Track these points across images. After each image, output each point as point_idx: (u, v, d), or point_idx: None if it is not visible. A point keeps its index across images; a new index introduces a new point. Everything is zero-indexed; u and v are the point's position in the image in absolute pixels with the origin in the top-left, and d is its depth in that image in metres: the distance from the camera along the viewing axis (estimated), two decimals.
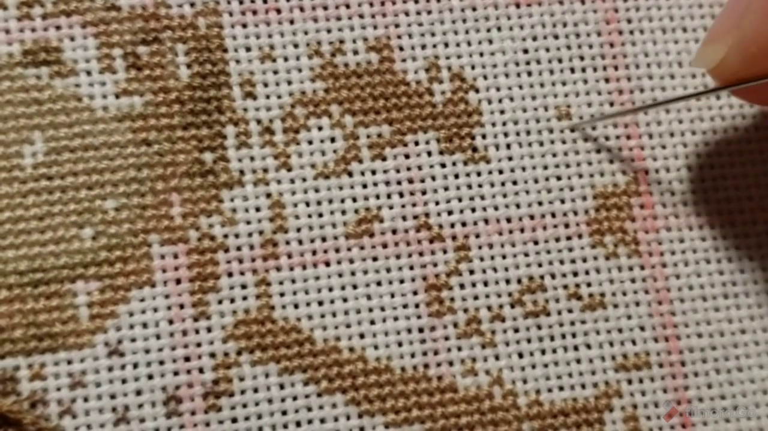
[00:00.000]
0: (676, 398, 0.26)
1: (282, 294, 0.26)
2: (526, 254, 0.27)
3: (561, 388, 0.26)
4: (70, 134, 0.25)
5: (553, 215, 0.27)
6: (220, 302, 0.25)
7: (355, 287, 0.26)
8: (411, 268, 0.26)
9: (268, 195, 0.26)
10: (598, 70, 0.28)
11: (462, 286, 0.26)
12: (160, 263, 0.25)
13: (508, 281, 0.27)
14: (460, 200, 0.27)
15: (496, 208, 0.27)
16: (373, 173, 0.27)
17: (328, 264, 0.26)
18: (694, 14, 0.28)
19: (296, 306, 0.26)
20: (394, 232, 0.26)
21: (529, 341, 0.26)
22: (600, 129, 0.27)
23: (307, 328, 0.26)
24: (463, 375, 0.26)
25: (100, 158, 0.25)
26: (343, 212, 0.26)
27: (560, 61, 0.28)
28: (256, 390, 0.25)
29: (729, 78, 0.24)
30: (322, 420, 0.25)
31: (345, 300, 0.26)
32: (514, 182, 0.27)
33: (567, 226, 0.27)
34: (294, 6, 0.27)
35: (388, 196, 0.26)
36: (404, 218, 0.26)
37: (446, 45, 0.27)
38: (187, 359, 0.25)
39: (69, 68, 0.26)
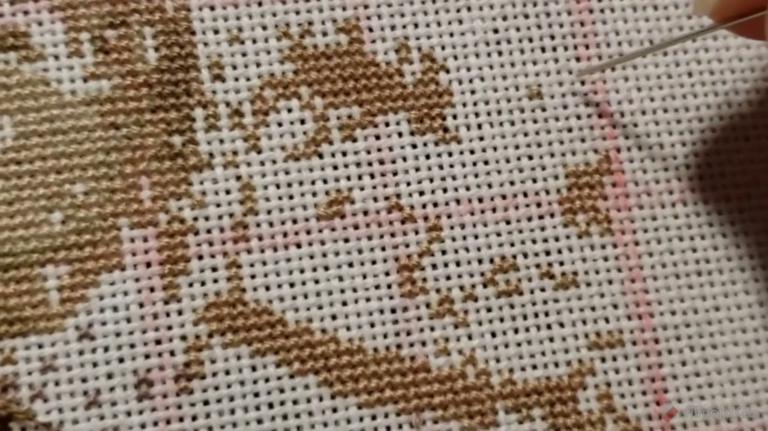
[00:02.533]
0: (650, 375, 0.26)
1: (253, 276, 0.26)
2: (498, 234, 0.27)
3: (534, 367, 0.26)
4: (39, 119, 0.25)
5: (525, 195, 0.27)
6: (190, 285, 0.25)
7: (326, 268, 0.26)
8: (383, 249, 0.26)
9: (238, 178, 0.26)
10: (569, 49, 0.28)
11: (434, 266, 0.26)
12: (130, 246, 0.25)
13: (480, 261, 0.26)
14: (431, 180, 0.27)
15: (467, 188, 0.27)
16: (344, 154, 0.26)
17: (299, 246, 0.26)
18: None
19: (267, 288, 0.26)
20: (365, 213, 0.26)
21: (501, 320, 0.26)
22: (571, 108, 0.27)
23: (279, 310, 0.26)
24: (435, 355, 0.26)
25: (69, 142, 0.25)
26: (314, 194, 0.26)
27: (531, 40, 0.28)
28: (227, 373, 0.25)
29: (727, 17, 0.24)
30: (295, 402, 0.25)
31: (317, 282, 0.26)
32: (486, 162, 0.27)
33: (539, 205, 0.27)
34: None
35: (359, 177, 0.26)
36: (375, 200, 0.26)
37: (416, 26, 0.27)
38: (158, 342, 0.25)
39: (37, 53, 0.26)
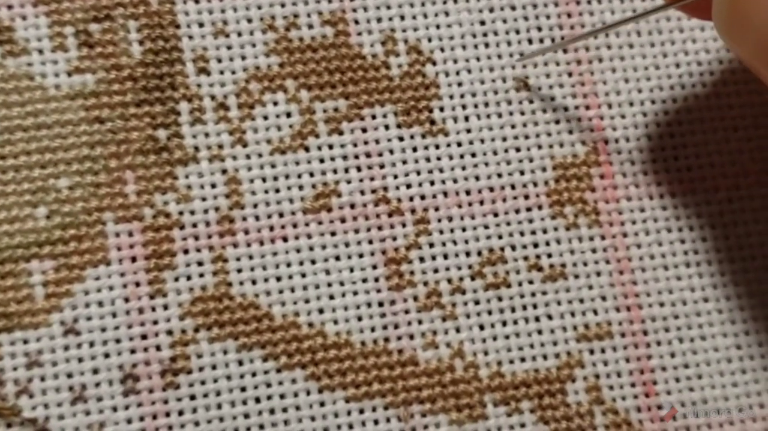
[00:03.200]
0: (639, 367, 0.26)
1: (239, 271, 0.25)
2: (486, 227, 0.27)
3: (523, 359, 0.26)
4: (23, 113, 0.25)
5: (513, 187, 0.27)
6: (176, 279, 0.25)
7: (313, 262, 0.26)
8: (370, 242, 0.26)
9: (224, 171, 0.26)
10: (556, 41, 0.28)
11: (422, 259, 0.26)
12: (115, 241, 0.25)
13: (468, 254, 0.26)
14: (418, 173, 0.27)
15: (455, 180, 0.27)
16: (330, 147, 0.26)
17: (285, 240, 0.26)
18: None
19: (254, 282, 0.26)
20: (352, 206, 0.26)
21: (490, 313, 0.26)
22: (558, 100, 0.27)
23: (266, 304, 0.25)
24: (423, 348, 0.26)
25: (53, 136, 0.25)
26: (300, 188, 0.26)
27: (518, 32, 0.28)
28: (214, 367, 0.25)
29: None
30: (282, 396, 0.25)
31: (303, 276, 0.26)
32: (473, 155, 0.27)
33: (527, 197, 0.27)
34: None
35: (346, 170, 0.26)
36: (362, 193, 0.26)
37: (402, 18, 0.27)
38: (143, 337, 0.25)
39: (21, 47, 0.26)
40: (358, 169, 0.26)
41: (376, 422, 0.25)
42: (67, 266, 0.25)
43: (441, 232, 0.26)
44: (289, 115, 0.26)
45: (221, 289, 0.25)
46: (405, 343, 0.26)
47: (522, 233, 0.27)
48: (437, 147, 0.27)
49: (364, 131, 0.27)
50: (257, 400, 0.25)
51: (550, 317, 0.26)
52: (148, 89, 0.26)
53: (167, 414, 0.25)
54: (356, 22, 0.27)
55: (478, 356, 0.26)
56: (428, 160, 0.27)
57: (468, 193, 0.27)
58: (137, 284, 0.25)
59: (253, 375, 0.25)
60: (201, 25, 0.26)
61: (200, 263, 0.25)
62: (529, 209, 0.27)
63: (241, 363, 0.25)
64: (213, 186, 0.26)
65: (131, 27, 0.26)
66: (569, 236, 0.27)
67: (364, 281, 0.26)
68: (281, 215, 0.26)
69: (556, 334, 0.26)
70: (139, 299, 0.25)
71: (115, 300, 0.25)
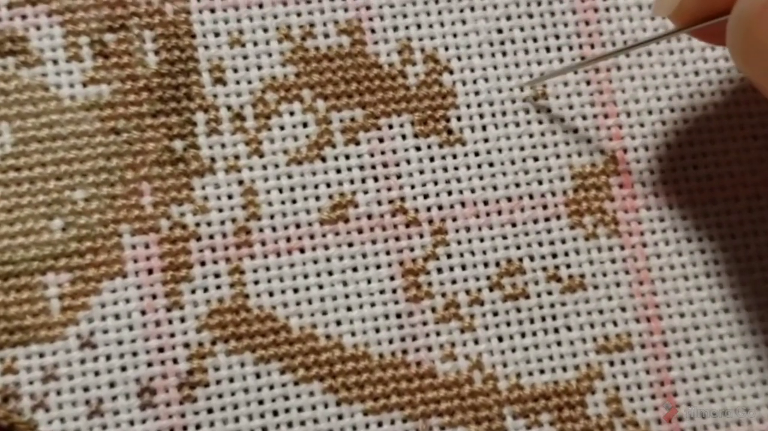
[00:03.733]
0: (659, 379, 0.26)
1: (256, 282, 0.25)
2: (504, 237, 0.26)
3: (542, 371, 0.26)
4: (38, 124, 0.25)
5: (531, 197, 0.27)
6: (193, 291, 0.25)
7: (330, 273, 0.26)
8: (387, 253, 0.26)
9: (240, 182, 0.26)
10: (574, 49, 0.27)
11: (439, 270, 0.26)
12: (132, 253, 0.25)
13: (486, 265, 0.26)
14: (435, 183, 0.26)
15: (472, 190, 0.26)
16: (347, 157, 0.26)
17: (302, 251, 0.26)
18: None
19: (271, 294, 0.25)
20: (369, 217, 0.26)
21: (508, 324, 0.26)
22: (577, 109, 0.27)
23: (283, 316, 0.25)
24: (442, 360, 0.26)
25: (69, 147, 0.25)
26: (317, 198, 0.26)
27: (535, 40, 0.27)
28: (231, 380, 0.25)
29: (689, 21, 0.24)
30: (300, 409, 0.25)
31: (321, 287, 0.26)
32: (491, 164, 0.27)
33: (545, 207, 0.27)
34: None
35: (363, 181, 0.26)
36: (379, 203, 0.26)
37: (419, 26, 0.27)
38: (160, 350, 0.25)
39: (35, 58, 0.25)
40: (375, 179, 0.26)
41: None
42: (83, 278, 0.25)
43: (459, 243, 0.26)
44: (305, 125, 0.26)
45: (238, 301, 0.25)
46: (423, 355, 0.26)
47: (540, 244, 0.26)
48: (455, 157, 0.26)
49: (381, 140, 0.26)
50: (275, 413, 0.25)
51: (569, 328, 0.26)
52: (164, 100, 0.25)
53: (185, 428, 0.24)
54: (372, 31, 0.27)
55: (496, 368, 0.26)
56: (446, 170, 0.26)
57: (486, 203, 0.26)
58: (154, 297, 0.25)
59: (271, 387, 0.25)
60: (217, 35, 0.26)
61: (217, 275, 0.25)
62: (547, 219, 0.26)
63: (258, 375, 0.25)
64: (230, 197, 0.26)
65: (146, 37, 0.26)
66: (588, 246, 0.26)
67: (382, 292, 0.26)
68: (298, 226, 0.26)
69: (576, 346, 0.26)
70: (156, 311, 0.25)
71: (132, 313, 0.25)
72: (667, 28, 0.28)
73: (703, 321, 0.26)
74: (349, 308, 0.26)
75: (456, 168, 0.26)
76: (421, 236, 0.26)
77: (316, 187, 0.26)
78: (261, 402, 0.25)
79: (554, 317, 0.26)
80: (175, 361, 0.25)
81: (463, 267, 0.26)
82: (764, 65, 0.22)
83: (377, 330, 0.26)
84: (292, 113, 0.26)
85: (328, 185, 0.26)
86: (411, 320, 0.26)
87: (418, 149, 0.26)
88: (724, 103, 0.27)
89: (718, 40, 0.24)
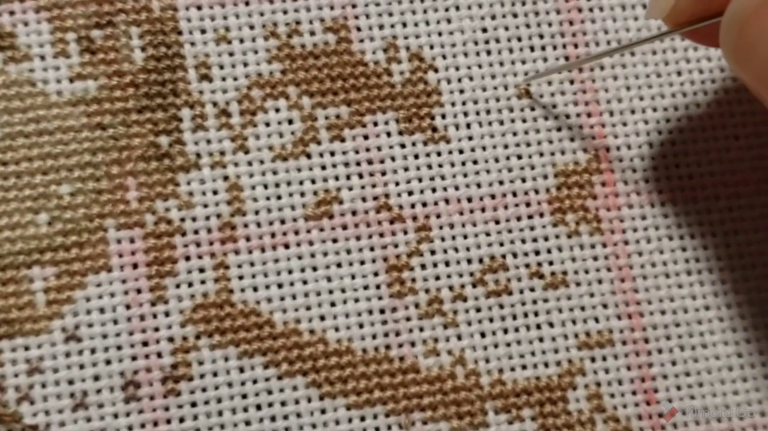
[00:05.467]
0: (640, 375, 0.26)
1: (241, 277, 0.25)
2: (488, 234, 0.27)
3: (524, 367, 0.26)
4: (25, 120, 0.25)
5: (515, 194, 0.27)
6: (177, 286, 0.25)
7: (314, 269, 0.26)
8: (371, 249, 0.26)
9: (226, 178, 0.26)
10: (558, 48, 0.28)
11: (423, 266, 0.26)
12: (117, 247, 0.25)
13: (469, 261, 0.26)
14: (420, 180, 0.27)
15: (456, 188, 0.27)
16: (332, 154, 0.26)
17: (287, 247, 0.26)
18: None
19: (255, 289, 0.25)
20: (353, 213, 0.26)
21: (491, 320, 0.26)
22: (560, 107, 0.27)
23: (267, 311, 0.25)
24: (425, 356, 0.26)
25: (55, 142, 0.25)
26: (302, 194, 0.26)
27: (519, 39, 0.28)
28: (215, 374, 0.25)
29: (683, 23, 0.24)
30: (283, 403, 0.25)
31: (305, 283, 0.26)
32: (475, 162, 0.27)
33: (528, 205, 0.27)
34: None
35: (348, 177, 0.26)
36: (364, 200, 0.26)
37: (404, 25, 0.27)
38: (145, 344, 0.25)
39: (23, 53, 0.26)
40: (360, 176, 0.26)
41: (377, 429, 0.25)
42: (69, 272, 0.25)
43: (442, 239, 0.26)
44: (290, 121, 0.26)
45: (223, 296, 0.25)
46: (406, 350, 0.26)
47: (523, 241, 0.27)
48: (439, 154, 0.27)
49: (366, 137, 0.27)
50: (258, 407, 0.25)
51: (551, 324, 0.26)
52: (150, 96, 0.26)
53: (168, 421, 0.25)
54: (358, 29, 0.27)
55: (479, 363, 0.26)
56: (430, 167, 0.27)
57: (469, 200, 0.27)
58: (139, 291, 0.25)
59: (255, 382, 0.25)
60: (203, 31, 0.26)
61: (202, 270, 0.25)
62: (530, 217, 0.27)
63: (242, 370, 0.25)
64: (215, 193, 0.26)
65: (133, 33, 0.26)
66: (571, 243, 0.27)
67: (366, 288, 0.26)
68: (283, 221, 0.26)
69: (558, 342, 0.26)
70: (141, 306, 0.25)
71: (117, 307, 0.25)
72: (650, 28, 0.28)
73: (684, 318, 0.27)
74: (332, 304, 0.26)
75: (440, 165, 0.27)
76: (405, 232, 0.26)
77: (301, 183, 0.26)
78: (244, 396, 0.25)
79: (536, 314, 0.26)
80: (159, 355, 0.25)
81: (447, 264, 0.26)
82: (756, 66, 0.22)
83: (361, 326, 0.26)
84: (277, 110, 0.26)
85: (313, 182, 0.26)
86: (394, 316, 0.26)
87: (402, 146, 0.27)
88: (706, 104, 0.28)
89: (712, 42, 0.24)
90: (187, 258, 0.25)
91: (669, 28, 0.24)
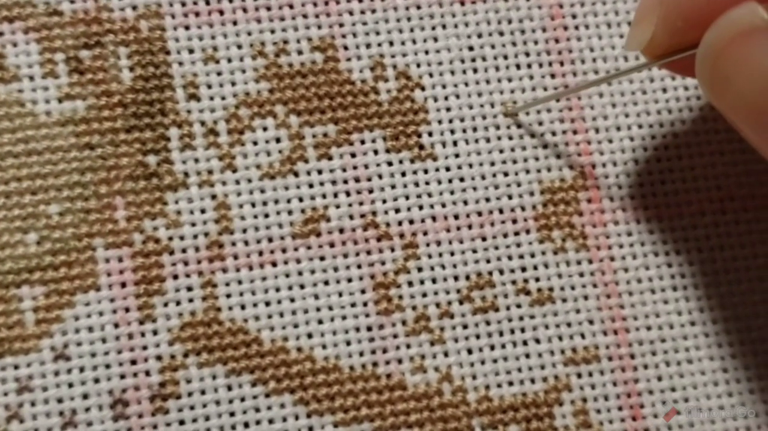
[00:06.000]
0: (626, 391, 0.26)
1: (228, 296, 0.26)
2: (474, 251, 0.27)
3: (510, 383, 0.26)
4: (14, 140, 0.25)
5: (501, 211, 0.27)
6: (165, 304, 0.25)
7: (302, 287, 0.26)
8: (358, 267, 0.26)
9: (213, 197, 0.26)
10: (544, 66, 0.28)
11: (410, 284, 0.26)
12: (105, 266, 0.25)
13: (456, 278, 0.27)
14: (407, 197, 0.27)
15: (443, 205, 0.27)
16: (319, 172, 0.27)
17: (274, 265, 0.26)
18: None
19: (243, 307, 0.26)
20: (341, 231, 0.26)
21: (478, 337, 0.26)
22: (546, 125, 0.28)
23: (255, 329, 0.26)
24: (412, 373, 0.26)
25: (44, 162, 0.25)
26: (290, 212, 0.26)
27: (506, 57, 0.28)
28: (203, 392, 0.25)
29: (660, 54, 0.24)
30: (271, 421, 0.25)
31: (292, 300, 0.26)
32: (461, 179, 0.27)
33: (515, 221, 0.27)
34: (237, 7, 0.27)
35: (335, 195, 0.26)
36: (351, 217, 0.26)
37: (391, 44, 0.27)
38: (133, 362, 0.25)
39: (11, 74, 0.26)
40: (347, 193, 0.27)
41: None
42: (58, 291, 0.25)
43: (429, 256, 0.27)
44: (278, 140, 0.27)
45: (210, 314, 0.25)
46: (393, 367, 0.26)
47: (510, 257, 0.27)
48: (426, 172, 0.27)
49: (353, 155, 0.27)
50: (246, 425, 0.25)
51: (537, 341, 0.26)
52: (138, 115, 0.26)
53: None
54: (345, 47, 0.27)
55: (466, 380, 0.26)
56: (417, 184, 0.27)
57: (456, 217, 0.27)
58: (127, 310, 0.25)
59: (242, 400, 0.25)
60: (191, 51, 0.27)
61: (189, 289, 0.26)
62: (517, 233, 0.27)
63: (230, 388, 0.25)
64: (202, 211, 0.26)
65: (121, 53, 0.26)
66: (557, 260, 0.27)
67: (353, 305, 0.26)
68: (270, 239, 0.26)
69: (544, 358, 0.26)
70: (129, 324, 0.25)
71: (105, 326, 0.25)
72: (629, 55, 0.28)
73: (670, 334, 0.27)
74: (320, 321, 0.26)
75: (427, 183, 0.27)
76: (392, 249, 0.26)
77: (288, 201, 0.26)
78: (232, 414, 0.25)
79: (523, 330, 0.26)
80: (147, 373, 0.25)
81: (434, 281, 0.26)
82: (731, 98, 0.22)
83: (348, 343, 0.26)
84: (265, 129, 0.26)
85: (301, 200, 0.26)
86: (381, 333, 0.26)
87: (389, 164, 0.27)
88: (691, 120, 0.28)
89: (689, 73, 0.24)
90: (175, 277, 0.25)
91: (646, 58, 0.24)
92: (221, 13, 0.27)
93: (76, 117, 0.26)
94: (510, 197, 0.27)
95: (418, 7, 0.28)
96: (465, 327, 0.26)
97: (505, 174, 0.27)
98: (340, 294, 0.26)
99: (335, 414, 0.25)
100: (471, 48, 0.28)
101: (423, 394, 0.26)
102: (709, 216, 0.28)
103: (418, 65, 0.27)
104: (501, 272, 0.27)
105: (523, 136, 0.27)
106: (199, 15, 0.27)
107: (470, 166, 0.27)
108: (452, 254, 0.27)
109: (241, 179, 0.26)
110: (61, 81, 0.26)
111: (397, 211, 0.27)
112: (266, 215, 0.26)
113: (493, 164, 0.27)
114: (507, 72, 0.28)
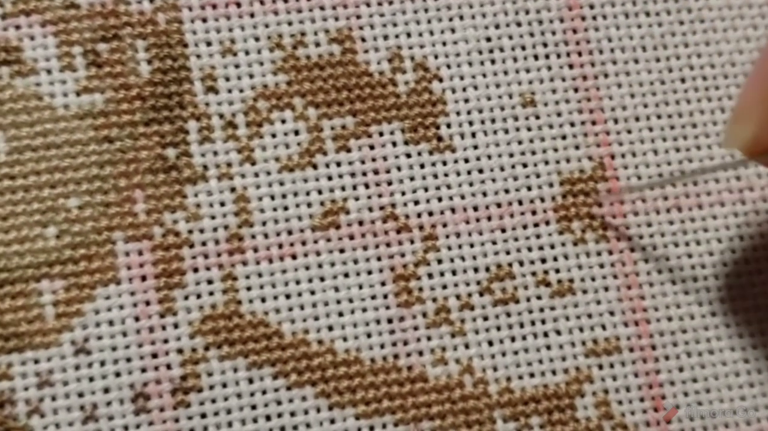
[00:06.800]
0: (648, 382, 0.26)
1: (249, 288, 0.26)
2: (494, 242, 0.27)
3: (532, 375, 0.26)
4: (32, 133, 0.25)
5: (520, 203, 0.27)
6: (186, 298, 0.25)
7: (322, 279, 0.26)
8: (378, 259, 0.26)
9: (233, 189, 0.26)
10: (562, 57, 0.28)
11: (430, 276, 0.26)
12: (125, 260, 0.25)
13: (476, 270, 0.26)
14: (426, 189, 0.27)
15: (462, 197, 0.27)
16: (338, 164, 0.26)
17: (294, 257, 0.26)
18: None
19: (263, 300, 0.26)
20: (360, 223, 0.26)
21: (498, 329, 0.26)
22: (565, 116, 0.27)
23: (275, 322, 0.26)
24: (433, 365, 0.26)
25: (63, 156, 0.25)
26: (309, 205, 0.26)
27: (523, 48, 0.28)
28: (224, 385, 0.25)
29: (761, 152, 0.23)
30: (292, 414, 0.25)
31: (313, 293, 0.26)
32: (480, 171, 0.27)
33: (534, 213, 0.27)
34: None
35: (354, 187, 0.26)
36: (370, 210, 0.26)
37: (409, 35, 0.27)
38: (154, 356, 0.25)
39: (29, 67, 0.26)
40: (366, 186, 0.26)
41: None
42: (78, 285, 0.25)
43: (449, 248, 0.26)
44: (297, 133, 0.26)
45: (231, 307, 0.25)
46: (414, 360, 0.26)
47: (530, 249, 0.27)
48: (444, 164, 0.27)
49: (372, 148, 0.27)
50: (268, 418, 0.25)
51: (558, 332, 0.26)
52: (156, 108, 0.26)
53: None
54: (363, 39, 0.27)
55: (487, 372, 0.26)
56: (436, 176, 0.27)
57: (476, 209, 0.27)
58: (147, 303, 0.25)
59: (264, 392, 0.25)
60: (209, 44, 0.26)
61: (210, 282, 0.25)
62: (536, 225, 0.27)
63: (251, 381, 0.25)
64: (222, 204, 0.26)
65: (139, 46, 0.26)
66: (577, 251, 0.27)
67: (373, 298, 0.26)
68: (290, 232, 0.26)
69: (565, 349, 0.26)
70: (150, 318, 0.25)
71: (126, 319, 0.25)
72: (654, 35, 0.28)
73: (691, 325, 0.27)
74: (340, 314, 0.26)
75: (446, 175, 0.27)
76: (412, 242, 0.26)
77: (307, 194, 0.26)
78: (254, 407, 0.25)
79: (543, 322, 0.26)
80: (168, 367, 0.25)
81: (454, 272, 0.26)
82: None
83: (369, 335, 0.26)
84: (283, 121, 0.26)
85: (320, 192, 0.26)
86: (402, 326, 0.26)
87: (408, 156, 0.27)
88: (710, 110, 0.28)
89: None
90: (195, 270, 0.25)
91: (744, 155, 0.24)
92: (238, 5, 0.27)
93: (95, 110, 0.26)
94: (529, 189, 0.27)
95: None
96: (485, 318, 0.26)
97: (524, 165, 0.27)
98: (360, 287, 0.26)
99: (356, 407, 0.25)
100: (489, 39, 0.28)
101: (444, 386, 0.26)
102: (728, 206, 0.27)
103: (436, 57, 0.27)
104: (521, 263, 0.27)
105: (541, 127, 0.27)
106: (216, 7, 0.27)
107: (489, 157, 0.27)
108: (472, 245, 0.27)
109: (260, 171, 0.26)
110: (79, 74, 0.26)
111: (416, 203, 0.27)
112: (285, 208, 0.26)
113: (511, 155, 0.27)
114: (525, 63, 0.28)
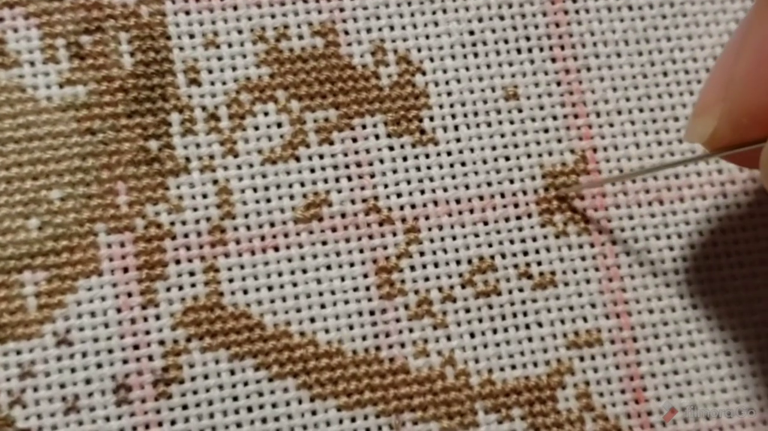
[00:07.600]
0: (629, 374, 0.27)
1: (231, 280, 0.26)
2: (476, 235, 0.27)
3: (513, 367, 0.26)
4: (15, 125, 0.25)
5: (503, 195, 0.27)
6: (168, 289, 0.25)
7: (304, 271, 0.26)
8: (361, 251, 0.26)
9: (215, 182, 0.26)
10: (545, 50, 0.28)
11: (412, 268, 0.26)
12: (107, 251, 0.25)
13: (458, 262, 0.27)
14: (408, 182, 0.27)
15: (445, 189, 0.27)
16: (321, 157, 0.27)
17: (277, 250, 0.26)
18: None
19: (245, 292, 0.26)
20: (343, 216, 0.26)
21: (480, 321, 0.26)
22: (547, 109, 0.28)
23: (257, 313, 0.26)
24: (415, 357, 0.26)
25: (45, 148, 0.25)
26: (291, 197, 0.26)
27: (506, 42, 0.28)
28: (206, 377, 0.25)
29: (721, 147, 0.23)
30: (274, 405, 0.25)
31: (295, 285, 0.26)
32: (463, 164, 0.27)
33: (516, 206, 0.27)
34: None
35: (336, 180, 0.26)
36: (353, 202, 0.26)
37: (392, 28, 0.27)
38: (136, 347, 0.25)
39: (12, 59, 0.26)
40: (349, 178, 0.27)
41: (367, 430, 0.25)
42: (60, 277, 0.25)
43: (431, 240, 0.27)
44: (279, 125, 0.26)
45: (213, 299, 0.25)
46: (396, 351, 0.26)
47: (512, 241, 0.27)
48: (427, 156, 0.27)
49: (355, 140, 0.27)
50: (249, 409, 0.25)
51: (540, 324, 0.26)
52: (139, 100, 0.26)
53: (160, 424, 0.25)
54: (346, 32, 0.27)
55: (468, 364, 0.26)
56: (418, 169, 0.27)
57: (458, 201, 0.27)
58: (129, 295, 0.25)
59: (245, 384, 0.25)
60: (192, 36, 0.26)
61: (192, 274, 0.25)
62: (518, 218, 0.27)
63: (233, 372, 0.25)
64: (204, 196, 0.26)
65: (122, 39, 0.26)
66: (559, 243, 0.27)
67: (355, 290, 0.26)
68: (272, 224, 0.26)
69: (546, 341, 0.26)
70: (132, 309, 0.25)
71: (108, 311, 0.25)
72: (636, 29, 0.28)
73: (672, 317, 0.27)
74: (322, 306, 0.26)
75: (429, 167, 0.27)
76: (394, 234, 0.26)
77: (290, 186, 0.26)
78: (236, 399, 0.25)
79: (525, 314, 0.26)
80: (150, 358, 0.25)
81: (436, 265, 0.26)
82: None
83: (351, 327, 0.26)
84: (266, 114, 0.26)
85: (302, 185, 0.26)
86: (384, 317, 0.26)
87: (391, 148, 0.27)
88: (692, 104, 0.28)
89: (750, 165, 0.24)
90: (177, 262, 0.25)
91: (706, 149, 0.24)
92: None
93: (77, 102, 0.26)
94: (511, 181, 0.27)
95: None
96: (467, 311, 0.26)
97: (507, 158, 0.27)
98: (343, 279, 0.26)
99: (338, 398, 0.25)
100: (471, 32, 0.28)
101: (426, 378, 0.26)
102: (710, 199, 0.28)
103: (419, 50, 0.27)
104: (503, 256, 0.27)
105: (524, 120, 0.27)
106: (200, 0, 0.27)
107: (471, 150, 0.27)
108: (454, 238, 0.27)
109: (242, 163, 0.26)
110: (61, 66, 0.26)
111: (399, 195, 0.27)
112: (268, 200, 0.26)
113: (494, 148, 0.27)
114: (508, 56, 0.28)
